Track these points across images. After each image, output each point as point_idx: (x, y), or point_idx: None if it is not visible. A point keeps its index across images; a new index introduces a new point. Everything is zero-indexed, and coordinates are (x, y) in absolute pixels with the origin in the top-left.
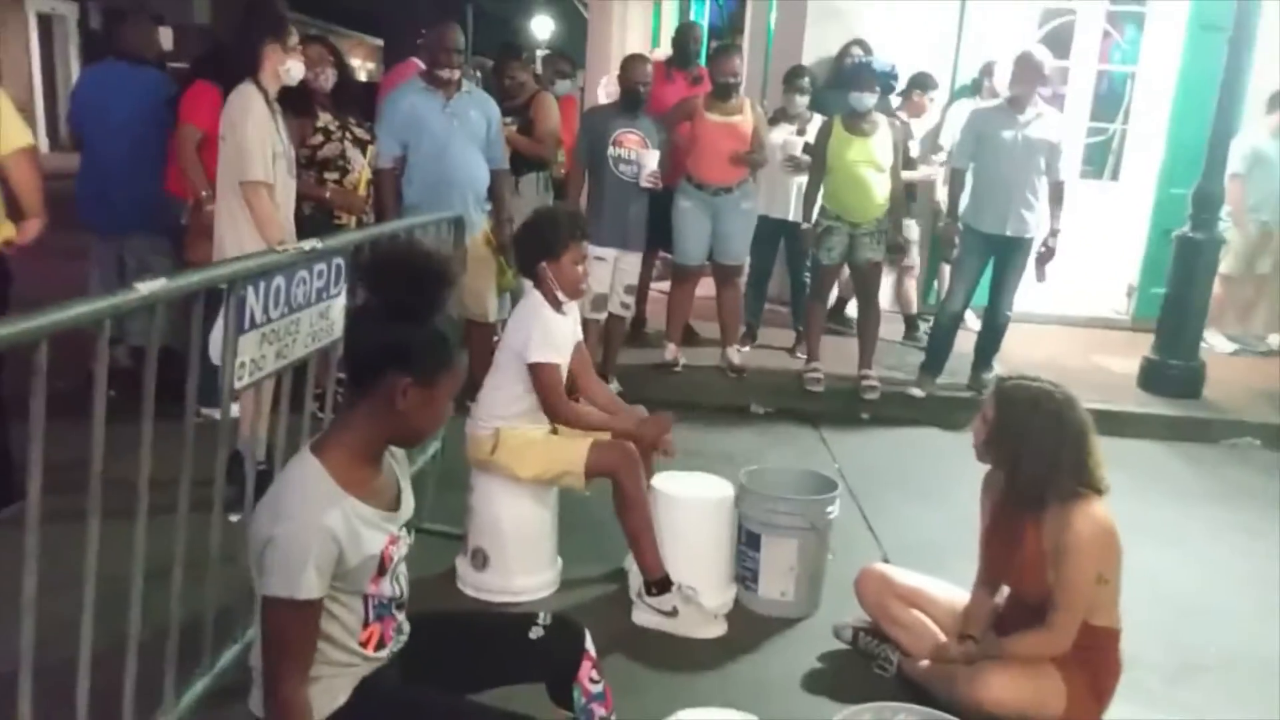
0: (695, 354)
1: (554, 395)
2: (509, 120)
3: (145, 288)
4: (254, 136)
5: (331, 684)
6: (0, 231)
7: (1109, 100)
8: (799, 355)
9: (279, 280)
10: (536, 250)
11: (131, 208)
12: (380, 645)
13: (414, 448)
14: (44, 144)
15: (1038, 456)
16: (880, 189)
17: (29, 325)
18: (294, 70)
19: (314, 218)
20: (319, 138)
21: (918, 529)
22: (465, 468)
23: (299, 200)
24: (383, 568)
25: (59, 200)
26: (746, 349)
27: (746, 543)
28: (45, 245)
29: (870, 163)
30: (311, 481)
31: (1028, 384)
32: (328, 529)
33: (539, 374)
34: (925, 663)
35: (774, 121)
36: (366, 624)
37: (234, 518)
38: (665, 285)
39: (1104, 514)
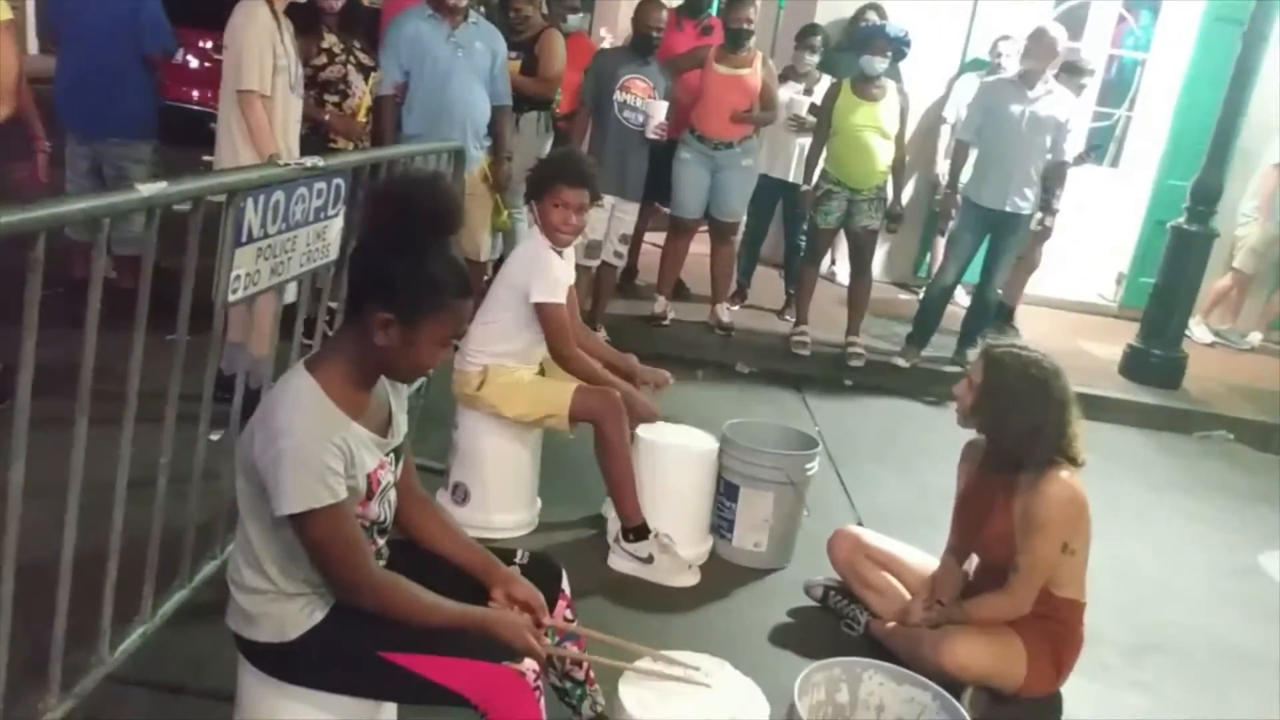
0: (685, 309)
1: (562, 337)
2: (513, 55)
3: (146, 189)
4: (252, 46)
5: (311, 601)
6: None
7: (1117, 86)
8: (787, 318)
9: (278, 195)
10: (529, 188)
11: (108, 111)
12: None
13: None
14: (34, 45)
15: (1022, 421)
16: (884, 155)
17: (28, 215)
18: None
19: (309, 139)
20: (322, 59)
21: (892, 496)
22: (450, 403)
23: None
24: (370, 491)
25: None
26: (736, 308)
27: (724, 493)
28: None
29: (876, 128)
30: (309, 396)
31: (1017, 350)
32: (330, 438)
33: (545, 314)
34: (892, 624)
35: (782, 79)
36: None
37: (215, 436)
38: (659, 238)
39: (1076, 484)
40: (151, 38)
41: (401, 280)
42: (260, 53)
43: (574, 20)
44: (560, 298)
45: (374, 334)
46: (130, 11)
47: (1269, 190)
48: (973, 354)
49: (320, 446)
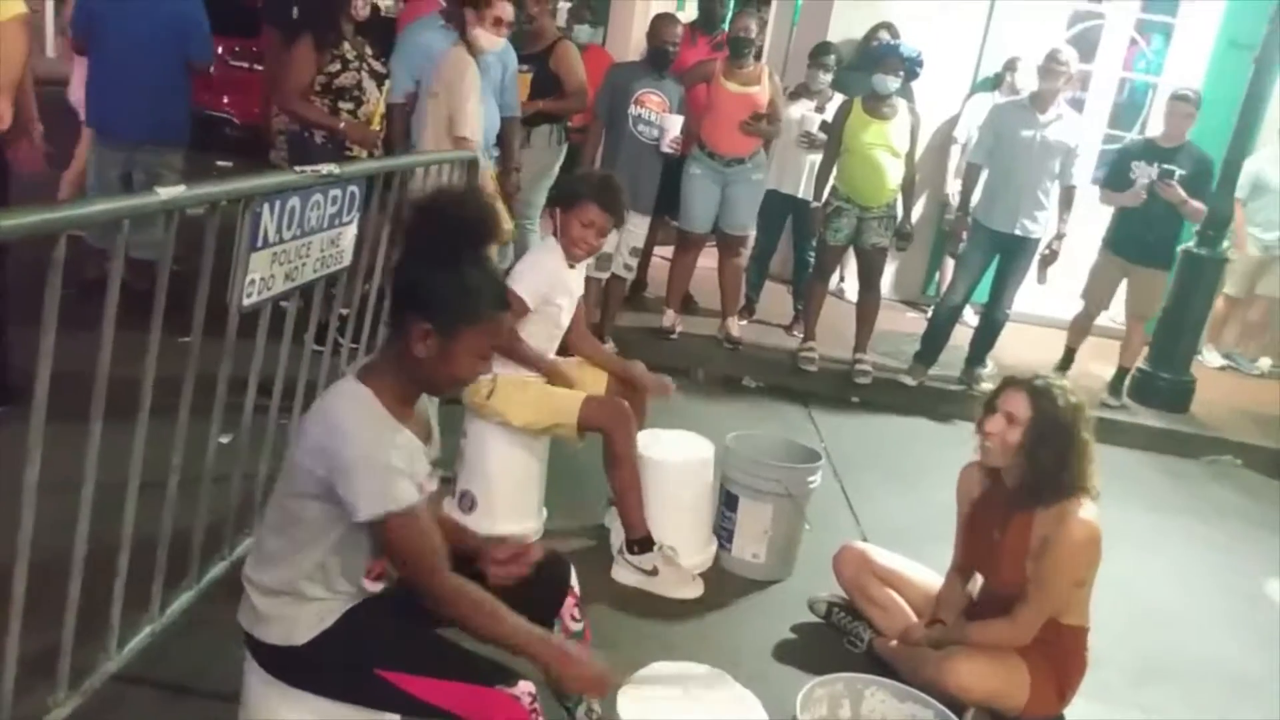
0: (693, 322)
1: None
2: (524, 68)
3: (165, 193)
4: (470, 96)
5: (325, 608)
6: None
7: (1128, 109)
8: (795, 333)
9: (294, 201)
10: (559, 194)
11: (149, 117)
12: (379, 577)
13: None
14: (50, 48)
15: (1062, 453)
16: (894, 174)
17: (50, 216)
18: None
19: (325, 147)
20: (336, 65)
21: (897, 513)
22: (459, 410)
23: (310, 129)
24: None
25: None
26: (744, 322)
27: (725, 503)
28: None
29: (886, 147)
30: (367, 405)
31: (1052, 380)
32: (397, 443)
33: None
34: (895, 642)
35: (795, 97)
36: (377, 555)
37: (225, 439)
38: (668, 251)
39: (1095, 520)
40: (199, 47)
41: (439, 291)
42: (475, 103)
43: (583, 31)
44: (529, 297)
45: (414, 345)
46: (176, 21)
47: (1236, 222)
48: (983, 373)
49: (388, 451)
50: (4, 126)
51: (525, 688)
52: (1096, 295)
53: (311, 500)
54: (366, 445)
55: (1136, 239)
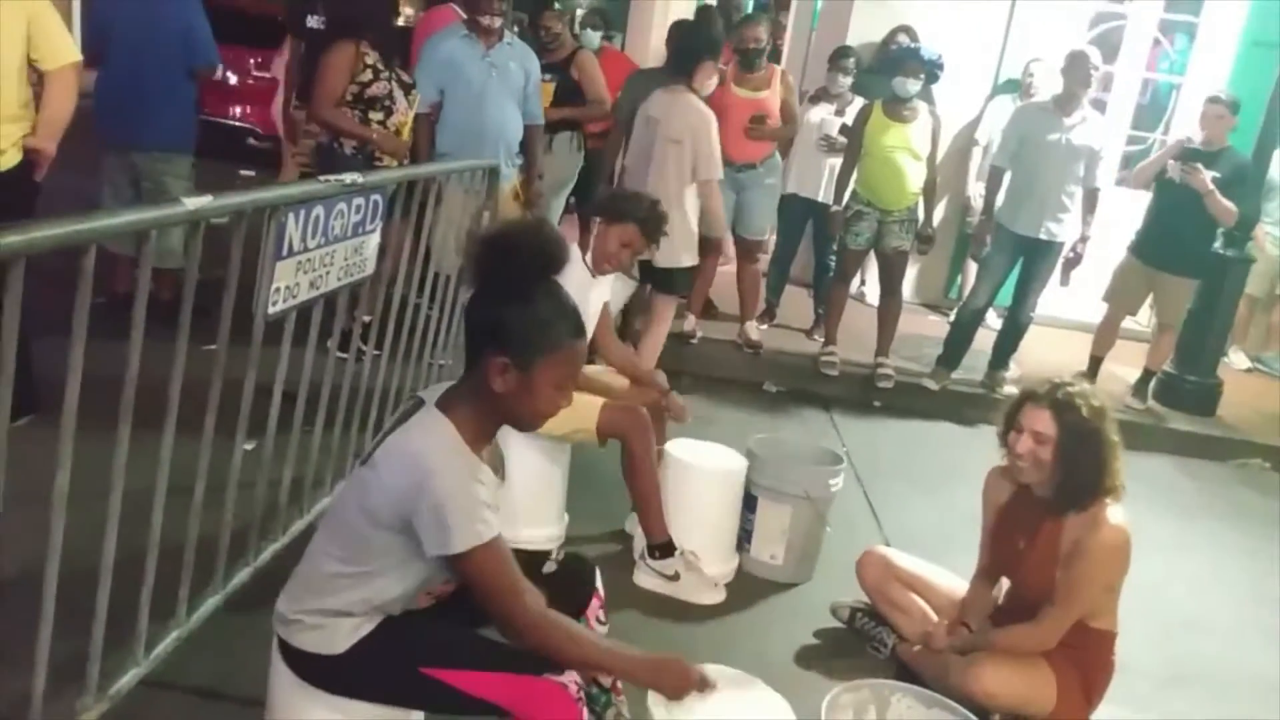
0: (713, 328)
1: None
2: (547, 77)
3: (191, 203)
4: (718, 142)
5: (363, 623)
6: (21, 128)
7: (1151, 110)
8: (816, 338)
9: (318, 210)
10: (607, 206)
11: (152, 124)
12: (438, 597)
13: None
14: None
15: (1094, 461)
16: (915, 177)
17: (79, 228)
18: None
19: (355, 158)
20: (368, 74)
21: (920, 517)
22: None
23: (340, 139)
24: None
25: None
26: (765, 326)
27: (745, 504)
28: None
29: (907, 150)
30: (451, 439)
31: (1077, 393)
32: (479, 477)
33: None
34: (919, 648)
35: (814, 100)
36: (439, 584)
37: (249, 446)
38: None
39: (1126, 526)
40: (201, 52)
41: (514, 324)
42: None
43: (591, 37)
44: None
45: (492, 380)
46: (181, 27)
47: None
48: (1006, 376)
49: (473, 485)
50: (47, 164)
51: (571, 676)
52: (1122, 301)
53: (384, 531)
54: (455, 479)
55: (1166, 247)
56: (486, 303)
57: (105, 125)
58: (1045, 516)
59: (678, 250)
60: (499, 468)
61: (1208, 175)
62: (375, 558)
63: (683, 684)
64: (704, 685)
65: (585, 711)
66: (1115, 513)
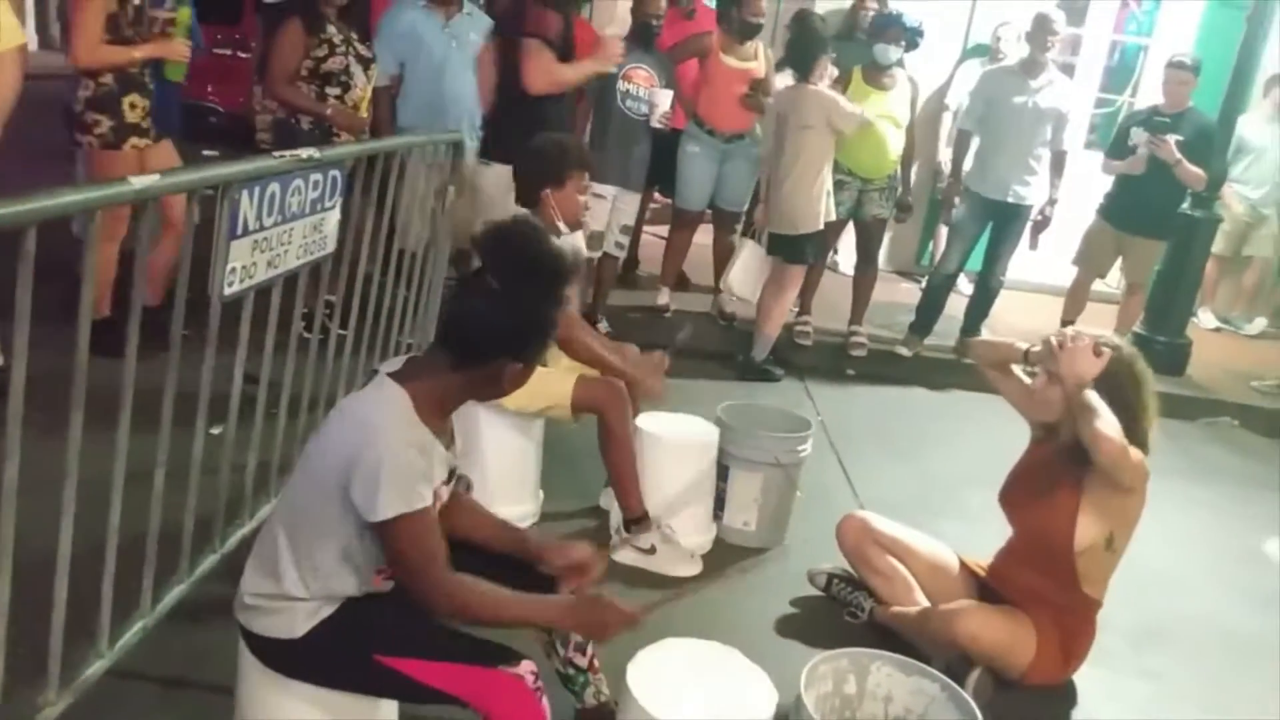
0: (686, 299)
1: (573, 325)
2: None
3: (139, 181)
4: (845, 101)
5: (321, 607)
6: None
7: (1119, 72)
8: (790, 308)
9: (274, 186)
10: (541, 177)
11: None
12: (390, 579)
13: None
14: (33, 42)
15: (1127, 408)
16: (895, 145)
17: (16, 209)
18: None
19: (312, 133)
20: (323, 50)
21: (895, 484)
22: None
23: (297, 115)
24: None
25: (48, 101)
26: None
27: (718, 473)
28: (35, 144)
29: (888, 117)
30: (400, 406)
31: (1111, 339)
32: (420, 447)
33: None
34: (896, 608)
35: (781, 67)
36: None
37: (216, 430)
38: (659, 229)
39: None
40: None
41: (536, 339)
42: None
43: None
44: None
45: (504, 382)
46: None
47: None
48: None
49: (413, 452)
50: None
51: (528, 667)
52: (1091, 265)
53: (329, 503)
54: (395, 447)
55: (1135, 210)
56: (511, 318)
57: None
58: (1068, 471)
59: (797, 219)
60: (451, 438)
61: (1174, 143)
62: (319, 534)
63: (606, 620)
64: (630, 623)
65: (544, 701)
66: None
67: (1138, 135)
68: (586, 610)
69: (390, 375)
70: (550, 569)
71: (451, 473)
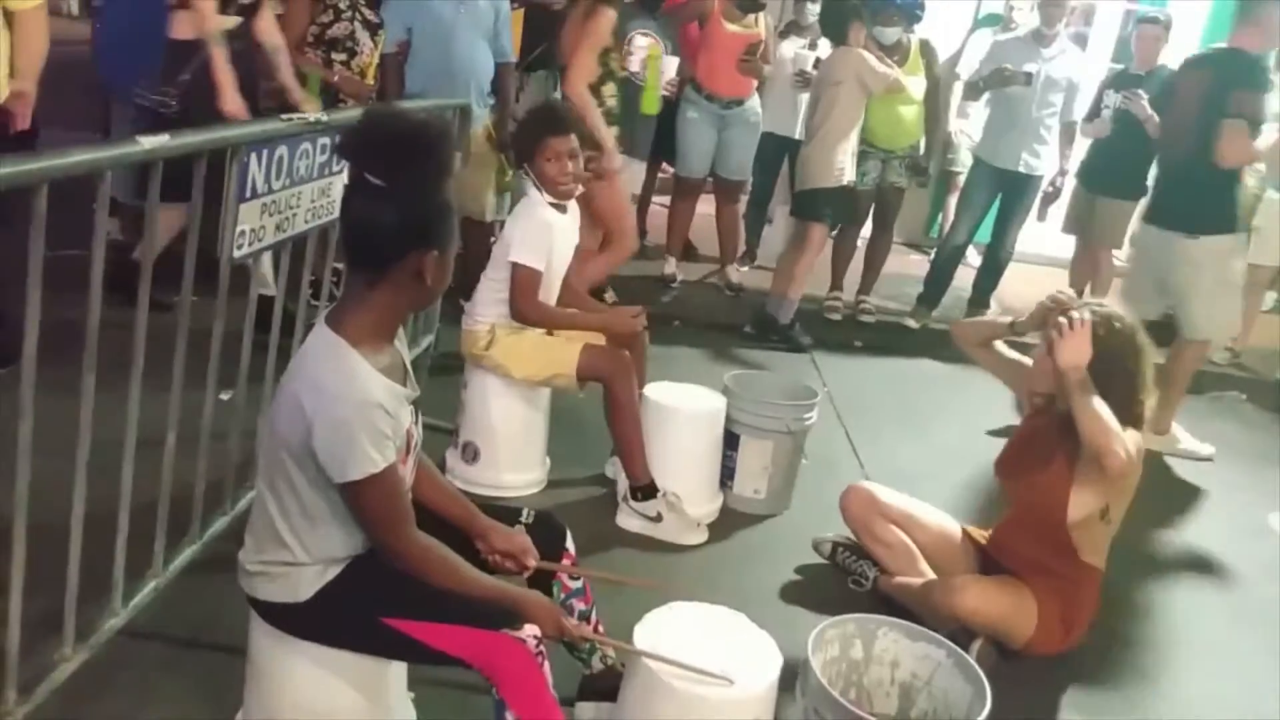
0: (693, 270)
1: (522, 296)
2: (516, 5)
3: (148, 142)
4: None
5: (326, 569)
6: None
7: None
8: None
9: (282, 149)
10: (520, 158)
11: (140, 63)
12: None
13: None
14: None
15: (1122, 381)
16: (911, 118)
17: (28, 168)
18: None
19: (320, 99)
20: (329, 15)
21: (900, 455)
22: (459, 361)
23: (302, 80)
24: (407, 447)
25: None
26: (745, 269)
27: (726, 442)
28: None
29: (899, 93)
30: (347, 358)
31: (1094, 307)
32: (379, 401)
33: (514, 273)
34: (900, 579)
35: (785, 34)
36: None
37: (225, 395)
38: (666, 199)
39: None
40: None
41: (436, 219)
42: None
43: None
44: (536, 261)
45: (425, 276)
46: None
47: None
48: (987, 315)
49: (372, 409)
50: (29, 110)
51: (531, 630)
52: (1075, 228)
53: (299, 465)
54: (348, 403)
55: (1103, 172)
56: (406, 206)
57: (106, 71)
58: (1063, 444)
59: (815, 172)
60: (403, 370)
61: (1146, 101)
62: (303, 496)
63: (560, 623)
64: (578, 638)
65: (545, 664)
66: (1133, 438)
67: (1109, 97)
68: (546, 607)
69: (326, 322)
70: (485, 550)
71: (415, 404)
